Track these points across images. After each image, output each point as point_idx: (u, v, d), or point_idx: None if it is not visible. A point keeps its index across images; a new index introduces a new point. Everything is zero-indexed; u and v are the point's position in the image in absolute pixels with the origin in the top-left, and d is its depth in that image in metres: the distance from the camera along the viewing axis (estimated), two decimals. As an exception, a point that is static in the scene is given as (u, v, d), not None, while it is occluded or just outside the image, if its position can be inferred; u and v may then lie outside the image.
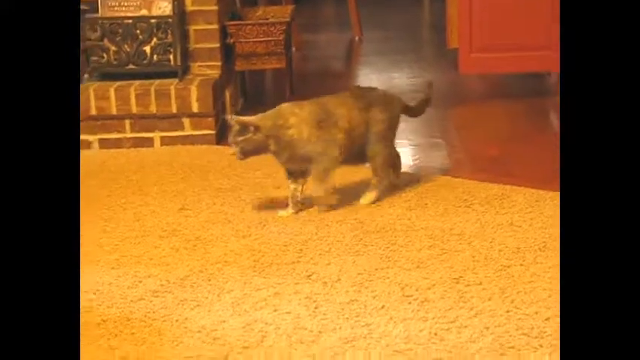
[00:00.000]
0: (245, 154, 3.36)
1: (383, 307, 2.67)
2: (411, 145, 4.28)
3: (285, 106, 3.45)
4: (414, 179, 3.77)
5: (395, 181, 3.66)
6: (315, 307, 2.69)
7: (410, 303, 2.69)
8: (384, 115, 3.53)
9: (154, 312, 2.71)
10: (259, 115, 3.38)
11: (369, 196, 3.53)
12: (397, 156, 3.70)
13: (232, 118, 3.38)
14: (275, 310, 2.69)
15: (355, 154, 3.53)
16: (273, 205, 3.55)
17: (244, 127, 3.33)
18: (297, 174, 3.48)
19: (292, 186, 3.47)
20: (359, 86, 3.84)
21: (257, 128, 3.34)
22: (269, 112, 3.41)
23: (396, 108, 3.61)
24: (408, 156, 4.09)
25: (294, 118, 3.39)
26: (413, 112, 3.79)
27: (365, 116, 3.50)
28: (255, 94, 5.32)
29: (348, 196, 3.54)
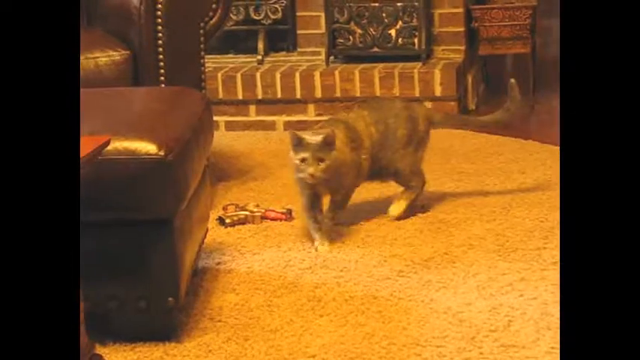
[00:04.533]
0: (327, 172, 3.00)
1: None
2: None
3: (320, 126, 3.16)
4: None
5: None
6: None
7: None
8: (404, 130, 3.24)
9: (399, 291, 2.73)
10: (330, 130, 3.03)
11: (398, 207, 3.26)
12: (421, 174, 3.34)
13: (297, 133, 3.00)
14: (521, 296, 2.66)
15: (374, 174, 3.25)
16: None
17: (329, 141, 2.99)
18: (316, 206, 3.12)
19: (311, 220, 3.11)
20: (377, 97, 3.49)
21: (334, 145, 3.00)
22: (308, 132, 3.07)
23: (419, 123, 3.28)
24: None
25: (336, 139, 3.04)
26: (455, 122, 3.74)
27: (384, 132, 3.20)
28: (496, 80, 5.26)
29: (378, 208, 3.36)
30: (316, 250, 3.02)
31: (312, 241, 3.07)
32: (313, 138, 2.97)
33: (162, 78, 3.30)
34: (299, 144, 2.97)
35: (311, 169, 2.96)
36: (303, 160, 2.96)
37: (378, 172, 3.25)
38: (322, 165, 2.97)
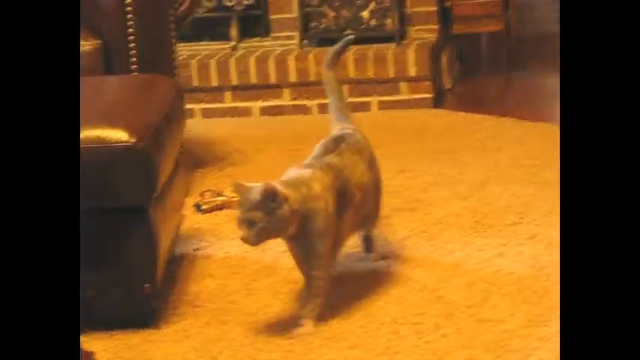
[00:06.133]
0: (262, 236, 2.36)
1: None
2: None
3: (301, 171, 2.48)
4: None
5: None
6: (539, 268, 2.66)
7: None
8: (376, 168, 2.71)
9: (376, 270, 2.73)
10: (269, 182, 2.37)
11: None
12: None
13: (242, 186, 2.40)
14: (498, 271, 2.67)
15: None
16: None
17: (268, 197, 2.33)
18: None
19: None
20: (349, 132, 2.66)
21: (285, 198, 2.35)
22: (281, 179, 2.44)
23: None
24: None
25: (319, 185, 2.43)
26: None
27: (371, 174, 2.65)
28: (472, 59, 5.27)
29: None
30: (298, 334, 2.41)
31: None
32: (249, 194, 2.36)
33: (133, 66, 3.30)
34: (240, 199, 2.39)
35: (240, 234, 2.35)
36: (237, 220, 2.36)
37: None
38: (254, 229, 2.33)
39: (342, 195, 2.48)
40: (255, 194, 2.33)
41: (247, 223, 2.33)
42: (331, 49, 2.84)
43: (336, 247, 2.51)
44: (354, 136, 2.64)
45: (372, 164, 2.65)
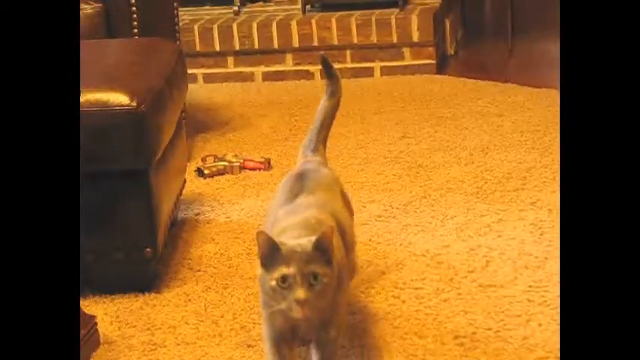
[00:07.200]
0: (326, 295, 1.86)
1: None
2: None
3: (304, 214, 2.03)
4: None
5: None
6: (541, 234, 2.66)
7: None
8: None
9: (378, 236, 2.73)
10: (324, 228, 1.88)
11: None
12: None
13: (270, 239, 1.86)
14: (499, 236, 2.67)
15: None
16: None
17: (323, 249, 1.85)
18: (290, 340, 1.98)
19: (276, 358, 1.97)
20: (304, 173, 2.21)
21: (331, 261, 1.87)
22: (290, 223, 2.00)
23: None
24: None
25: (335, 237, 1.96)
26: None
27: (349, 212, 2.25)
28: (475, 24, 5.24)
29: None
30: None
31: None
32: (300, 242, 1.87)
33: (135, 30, 3.28)
34: (275, 253, 1.85)
35: (299, 293, 1.82)
36: (283, 279, 1.84)
37: None
38: (317, 285, 1.84)
39: (343, 238, 2.08)
40: (307, 244, 1.84)
41: (308, 278, 1.83)
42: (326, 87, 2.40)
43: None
44: (320, 172, 2.23)
45: (346, 201, 2.26)
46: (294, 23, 4.45)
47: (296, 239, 1.88)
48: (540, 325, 2.21)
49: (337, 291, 1.92)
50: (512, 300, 2.32)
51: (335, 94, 2.38)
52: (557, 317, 2.22)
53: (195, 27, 4.49)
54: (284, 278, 1.83)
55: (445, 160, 3.28)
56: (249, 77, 4.50)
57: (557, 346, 2.10)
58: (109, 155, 2.39)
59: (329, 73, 2.38)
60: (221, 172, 3.29)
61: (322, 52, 2.44)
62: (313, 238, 1.85)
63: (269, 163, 3.33)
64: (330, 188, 2.20)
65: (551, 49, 4.47)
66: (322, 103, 2.38)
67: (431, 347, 2.16)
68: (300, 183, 2.15)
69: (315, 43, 4.40)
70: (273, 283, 1.83)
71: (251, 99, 4.22)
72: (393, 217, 2.85)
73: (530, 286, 2.38)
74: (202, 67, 4.48)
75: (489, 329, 2.21)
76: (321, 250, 1.85)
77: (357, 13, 4.45)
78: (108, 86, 2.42)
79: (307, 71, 4.43)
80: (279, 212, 2.08)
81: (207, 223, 2.91)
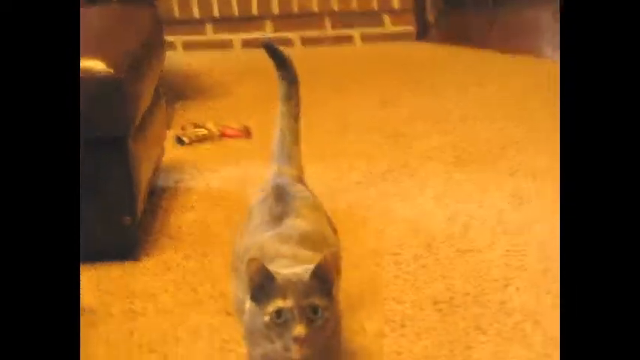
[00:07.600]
0: (326, 331, 1.66)
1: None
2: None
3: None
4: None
5: None
6: (520, 202, 2.67)
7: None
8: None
9: (357, 203, 2.74)
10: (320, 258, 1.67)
11: None
12: None
13: (265, 269, 1.66)
14: (478, 204, 2.68)
15: None
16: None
17: (324, 277, 1.67)
18: None
19: None
20: (283, 191, 2.00)
21: (331, 291, 1.70)
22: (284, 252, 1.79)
23: None
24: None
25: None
26: None
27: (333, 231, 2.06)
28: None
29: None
30: None
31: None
32: (295, 271, 1.68)
33: (113, -3, 3.26)
34: (269, 283, 1.65)
35: (298, 330, 1.62)
36: (278, 314, 1.63)
37: None
38: (318, 321, 1.64)
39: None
40: (303, 273, 1.66)
41: (307, 313, 1.63)
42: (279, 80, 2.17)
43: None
44: (300, 190, 2.03)
45: (330, 222, 2.07)
46: (273, -10, 4.42)
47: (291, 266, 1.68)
48: (518, 289, 2.23)
49: (338, 324, 1.74)
50: (490, 265, 2.34)
51: (292, 84, 2.12)
52: (535, 281, 2.24)
53: (174, -6, 4.45)
54: (279, 313, 1.62)
55: (425, 128, 3.28)
56: (228, 44, 4.48)
57: (535, 309, 2.12)
58: (87, 122, 2.36)
59: (279, 60, 2.13)
60: (200, 140, 3.28)
61: (265, 37, 2.33)
62: (311, 266, 1.65)
63: (248, 131, 3.32)
64: (315, 208, 1.99)
65: (532, 16, 4.46)
66: (280, 107, 2.11)
67: (409, 312, 2.17)
68: (281, 204, 1.93)
69: (295, 10, 4.38)
70: (267, 318, 1.63)
71: (230, 66, 4.20)
72: (373, 184, 2.86)
73: (507, 251, 2.40)
74: (181, 34, 4.46)
75: (467, 294, 2.23)
76: (321, 278, 1.65)
77: (338, -21, 4.42)
78: (84, 53, 2.39)
79: (287, 38, 4.41)
80: (264, 236, 1.84)
81: (187, 191, 2.90)
